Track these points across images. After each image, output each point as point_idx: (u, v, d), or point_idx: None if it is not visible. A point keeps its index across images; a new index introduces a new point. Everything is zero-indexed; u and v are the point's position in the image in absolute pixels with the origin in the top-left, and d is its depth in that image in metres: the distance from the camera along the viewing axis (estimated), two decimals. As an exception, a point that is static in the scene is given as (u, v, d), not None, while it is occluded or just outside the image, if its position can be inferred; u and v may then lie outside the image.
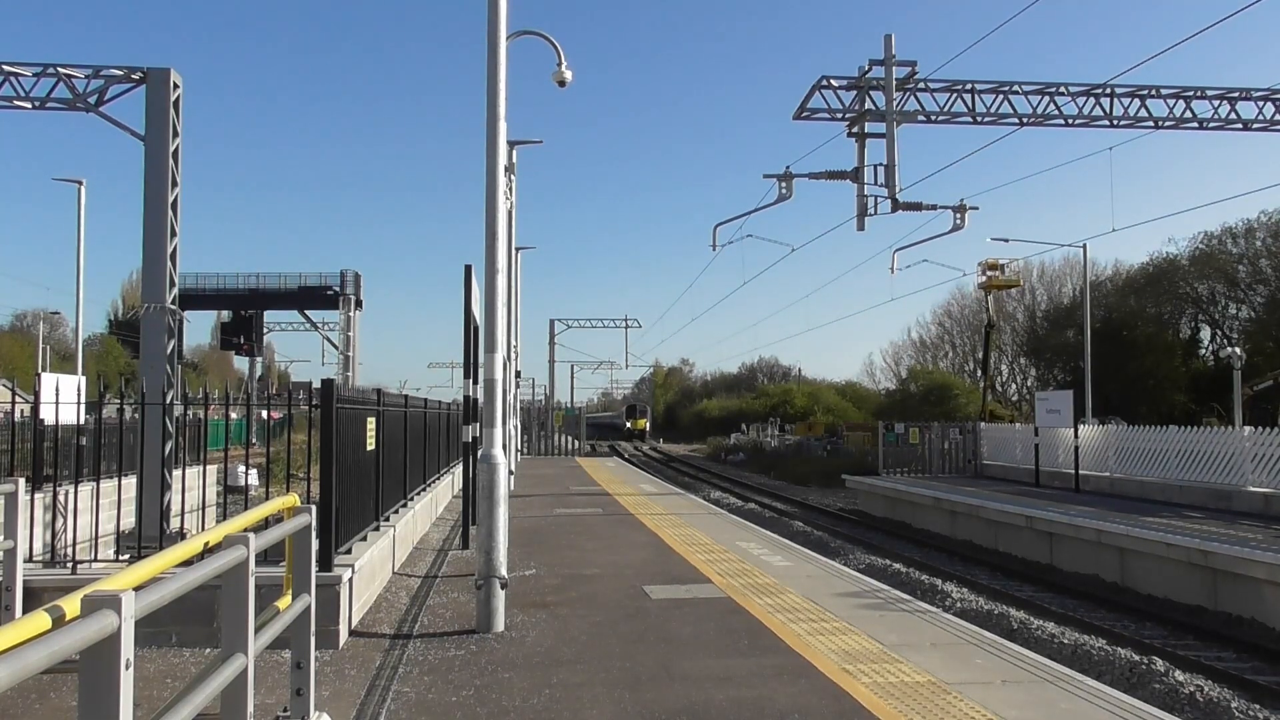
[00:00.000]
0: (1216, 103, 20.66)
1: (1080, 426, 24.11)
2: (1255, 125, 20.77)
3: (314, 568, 4.85)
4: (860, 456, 40.25)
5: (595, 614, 8.42)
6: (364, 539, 9.10)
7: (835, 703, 5.82)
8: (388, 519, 10.70)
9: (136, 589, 2.56)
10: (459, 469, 19.26)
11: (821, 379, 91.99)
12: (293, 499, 4.98)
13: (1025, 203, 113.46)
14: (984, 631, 7.98)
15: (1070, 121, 20.54)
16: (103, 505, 14.03)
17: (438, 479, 16.90)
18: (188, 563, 3.33)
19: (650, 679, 6.37)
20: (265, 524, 4.61)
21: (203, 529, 6.71)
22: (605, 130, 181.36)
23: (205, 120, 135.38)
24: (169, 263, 13.43)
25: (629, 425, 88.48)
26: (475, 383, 12.12)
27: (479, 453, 8.47)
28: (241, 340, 52.68)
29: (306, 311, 58.50)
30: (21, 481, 6.61)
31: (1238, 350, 31.17)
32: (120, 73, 14.09)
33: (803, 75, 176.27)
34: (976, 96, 20.18)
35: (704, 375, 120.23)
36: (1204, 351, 53.83)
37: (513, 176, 24.31)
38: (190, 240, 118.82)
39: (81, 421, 11.14)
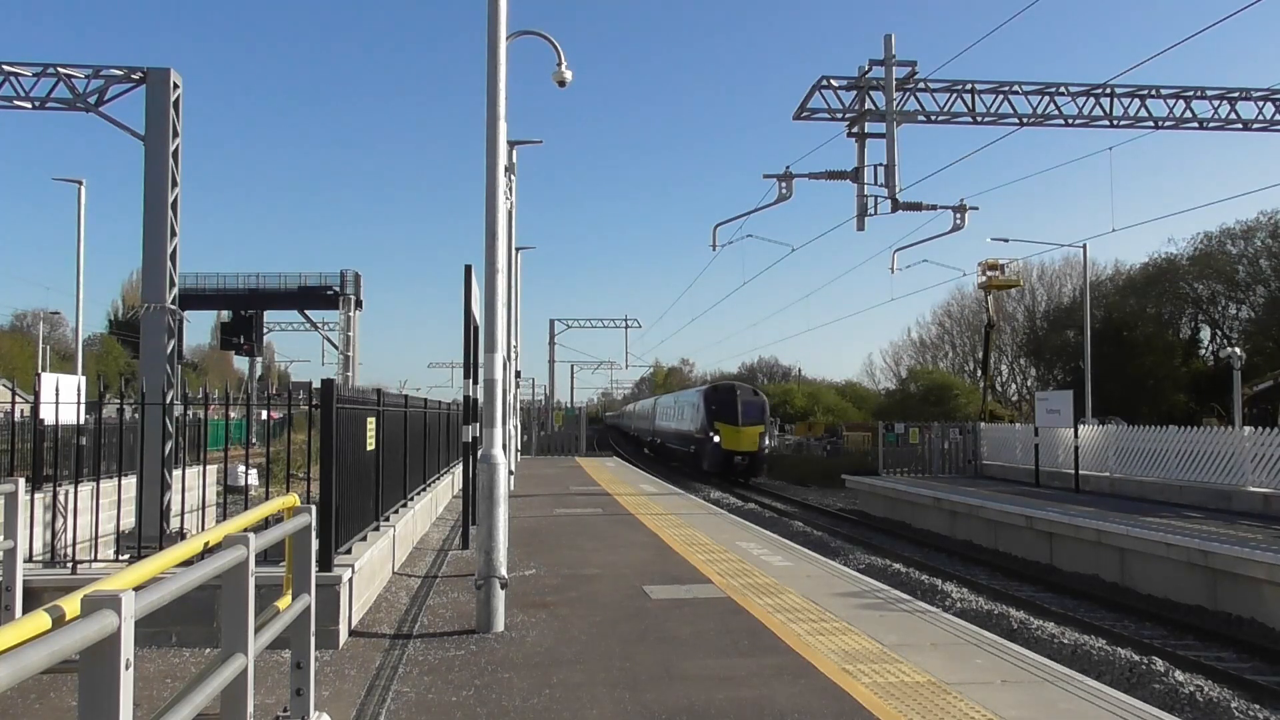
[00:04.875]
0: (1216, 103, 20.66)
1: (1080, 426, 24.11)
2: (1255, 125, 20.76)
3: (314, 568, 4.85)
4: (860, 456, 40.28)
5: (595, 614, 8.42)
6: (364, 539, 9.10)
7: (835, 703, 5.82)
8: (388, 519, 10.70)
9: (136, 589, 2.56)
10: (459, 469, 19.26)
11: (821, 379, 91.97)
12: (293, 499, 4.98)
13: (1025, 203, 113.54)
14: (984, 631, 7.98)
15: (1070, 121, 20.53)
16: (103, 505, 14.02)
17: (438, 479, 16.90)
18: (188, 563, 3.33)
19: (650, 679, 6.37)
20: (265, 524, 4.61)
21: (203, 529, 6.71)
22: (605, 130, 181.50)
23: (205, 120, 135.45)
24: (169, 263, 13.43)
25: (714, 437, 38.15)
26: (475, 383, 12.11)
27: (479, 453, 8.47)
28: (241, 340, 52.63)
29: (306, 311, 58.52)
30: (21, 481, 6.61)
31: (1238, 350, 31.16)
32: (120, 73, 14.09)
33: (803, 75, 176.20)
34: (976, 96, 20.17)
35: (704, 375, 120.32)
36: (1204, 351, 53.88)
37: (513, 176, 24.30)
38: (190, 240, 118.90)
39: (81, 421, 11.14)
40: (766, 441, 38.93)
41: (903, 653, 7.01)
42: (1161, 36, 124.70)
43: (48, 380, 10.40)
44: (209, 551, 3.61)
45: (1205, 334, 54.97)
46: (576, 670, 6.60)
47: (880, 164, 20.25)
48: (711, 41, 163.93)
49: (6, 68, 14.57)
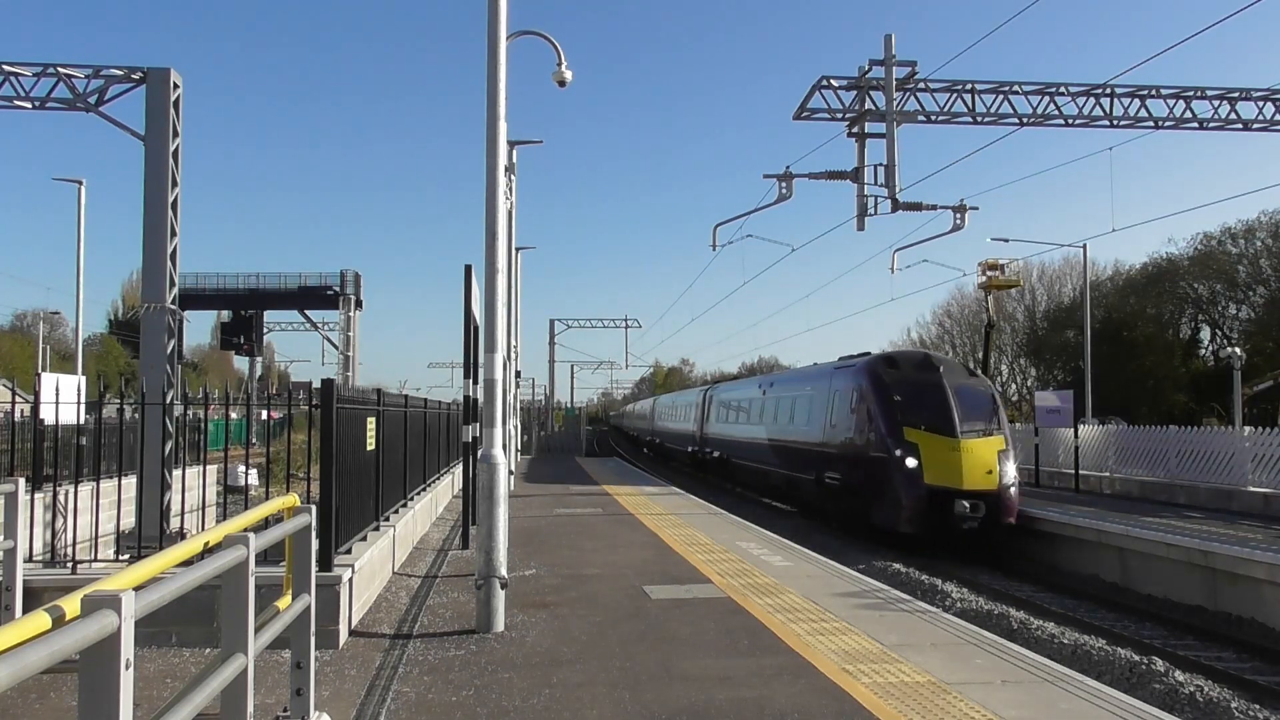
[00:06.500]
0: (1216, 103, 20.65)
1: (1080, 426, 24.11)
2: (1255, 125, 20.76)
3: (314, 568, 4.85)
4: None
5: (595, 614, 8.42)
6: (364, 539, 9.10)
7: (835, 703, 5.82)
8: (388, 519, 10.70)
9: (136, 589, 2.56)
10: (459, 469, 19.26)
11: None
12: (293, 499, 4.98)
13: (1025, 203, 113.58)
14: (984, 632, 7.98)
15: (1070, 121, 20.53)
16: (103, 505, 14.03)
17: (438, 479, 16.89)
18: (188, 563, 3.33)
19: (650, 679, 6.37)
20: (265, 524, 4.61)
21: (203, 529, 6.71)
22: (605, 130, 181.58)
23: (205, 120, 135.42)
24: (169, 263, 13.43)
25: (906, 459, 17.67)
26: (475, 383, 12.11)
27: (479, 453, 8.47)
28: (241, 340, 52.65)
29: (306, 311, 58.55)
30: (21, 481, 6.61)
31: (1238, 350, 31.16)
32: (120, 73, 14.09)
33: (803, 75, 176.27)
34: (976, 96, 20.17)
35: (704, 375, 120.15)
36: (1204, 351, 53.85)
37: (513, 176, 24.30)
38: (190, 240, 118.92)
39: (81, 421, 11.14)
40: (1012, 470, 18.31)
41: (903, 653, 7.00)
42: (1161, 36, 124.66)
43: (48, 380, 10.40)
44: (209, 551, 3.61)
45: (1205, 334, 54.93)
46: (576, 670, 6.60)
47: (880, 164, 20.25)
48: (712, 41, 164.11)
49: (6, 68, 14.57)
